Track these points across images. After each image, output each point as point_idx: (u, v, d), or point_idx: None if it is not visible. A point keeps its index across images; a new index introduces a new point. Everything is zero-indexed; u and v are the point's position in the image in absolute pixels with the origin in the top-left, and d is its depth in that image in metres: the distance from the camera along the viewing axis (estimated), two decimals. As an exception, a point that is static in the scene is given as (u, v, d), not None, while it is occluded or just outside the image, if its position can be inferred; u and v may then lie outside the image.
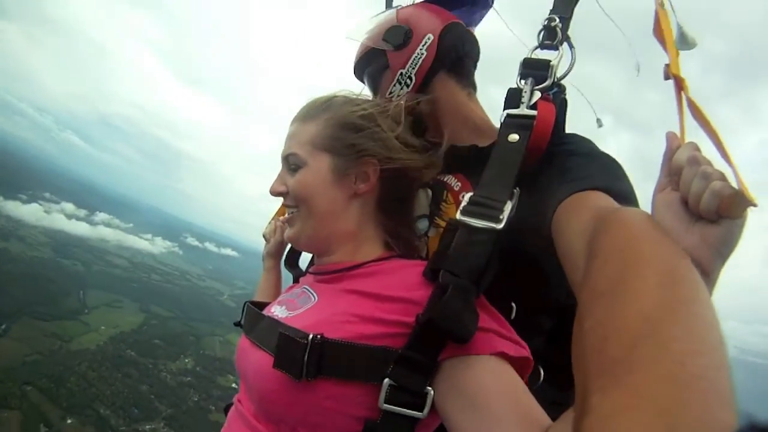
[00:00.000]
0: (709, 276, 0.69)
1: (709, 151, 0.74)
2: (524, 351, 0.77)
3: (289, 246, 1.43)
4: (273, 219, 1.58)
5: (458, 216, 0.81)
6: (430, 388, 0.73)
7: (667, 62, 0.97)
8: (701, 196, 0.68)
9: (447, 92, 1.28)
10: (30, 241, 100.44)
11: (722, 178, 0.68)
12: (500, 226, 0.76)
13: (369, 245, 1.02)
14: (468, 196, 0.84)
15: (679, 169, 0.74)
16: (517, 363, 0.76)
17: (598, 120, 1.30)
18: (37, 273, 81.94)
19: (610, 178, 0.93)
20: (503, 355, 0.74)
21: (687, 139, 0.81)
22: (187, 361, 71.31)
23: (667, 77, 0.95)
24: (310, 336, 0.77)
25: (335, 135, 0.99)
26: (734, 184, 0.67)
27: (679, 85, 0.90)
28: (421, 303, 0.76)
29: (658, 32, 1.04)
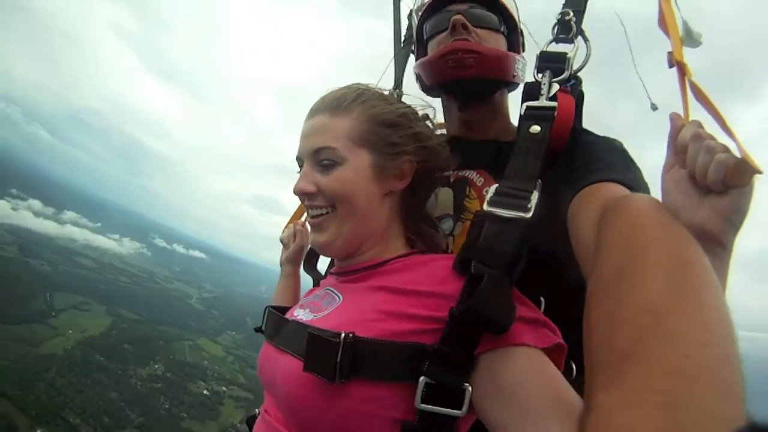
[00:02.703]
0: (725, 246, 0.73)
1: (712, 129, 0.76)
2: (557, 338, 0.75)
3: (308, 249, 1.43)
4: (289, 223, 1.60)
5: (486, 207, 0.80)
6: (467, 384, 0.71)
7: (670, 50, 0.99)
8: (707, 169, 0.70)
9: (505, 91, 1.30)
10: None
11: (726, 150, 0.70)
12: (528, 215, 0.76)
13: (394, 243, 1.00)
14: (494, 187, 0.84)
15: (685, 147, 0.76)
16: (551, 350, 0.74)
17: (653, 105, 1.30)
18: (3, 273, 79.39)
19: (622, 169, 0.94)
20: (537, 345, 0.72)
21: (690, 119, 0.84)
22: (157, 366, 70.45)
23: (671, 64, 0.98)
24: (342, 335, 0.73)
25: (374, 131, 0.95)
26: (738, 155, 0.70)
27: (683, 71, 0.94)
28: (452, 297, 0.74)
29: (663, 21, 1.07)
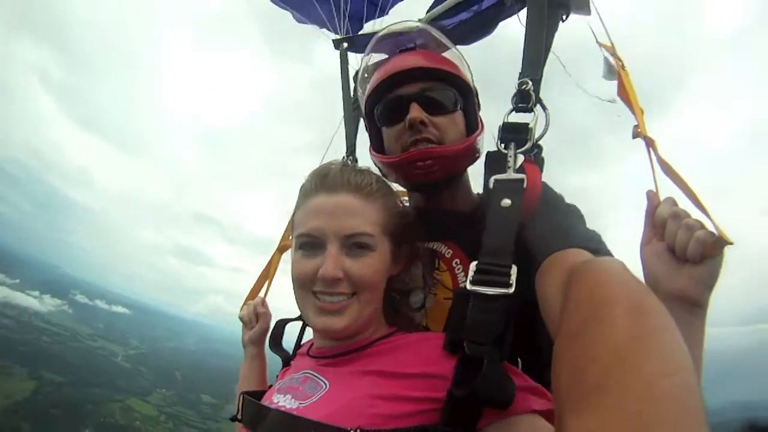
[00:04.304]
0: (702, 307, 0.84)
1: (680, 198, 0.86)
2: (550, 403, 0.76)
3: (273, 328, 1.38)
4: (248, 299, 1.58)
5: (469, 286, 0.81)
6: None
7: (636, 123, 1.02)
8: (687, 245, 0.82)
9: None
10: None
11: (702, 226, 0.81)
12: (511, 290, 0.77)
13: (379, 322, 1.00)
14: (473, 264, 0.84)
15: (663, 223, 0.85)
16: (545, 414, 0.75)
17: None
18: None
19: (582, 233, 0.99)
20: (535, 411, 0.74)
21: (662, 192, 0.91)
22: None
23: (635, 136, 1.01)
24: (351, 431, 0.71)
25: (393, 221, 0.97)
26: (711, 229, 0.79)
27: (650, 145, 0.96)
28: (447, 377, 0.75)
29: (623, 93, 1.11)
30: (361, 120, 1.53)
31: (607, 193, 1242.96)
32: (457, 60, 1.28)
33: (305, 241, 0.96)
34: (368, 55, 1.42)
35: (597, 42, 1.39)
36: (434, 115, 1.17)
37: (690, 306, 0.86)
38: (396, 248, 1.01)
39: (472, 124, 1.25)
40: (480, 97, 1.34)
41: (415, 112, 1.14)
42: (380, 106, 1.25)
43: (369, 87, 1.29)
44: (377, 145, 1.32)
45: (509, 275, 0.80)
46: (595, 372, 0.48)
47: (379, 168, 1.31)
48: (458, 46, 1.41)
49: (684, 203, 0.91)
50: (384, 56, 1.40)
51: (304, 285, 0.96)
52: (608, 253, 0.97)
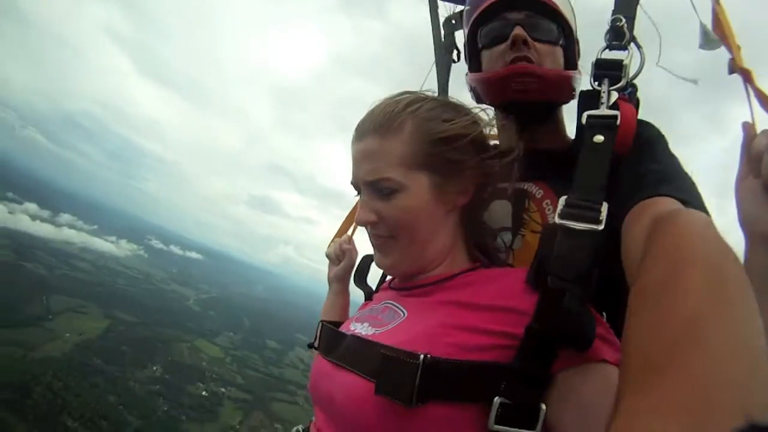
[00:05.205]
0: None
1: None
2: None
3: (358, 264, 1.41)
4: (335, 237, 1.60)
5: (557, 220, 0.78)
6: (542, 404, 0.69)
7: (732, 57, 0.97)
8: None
9: None
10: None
11: None
12: (601, 227, 0.75)
13: (458, 257, 0.98)
14: (563, 199, 0.82)
15: (760, 156, 0.77)
16: None
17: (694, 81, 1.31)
18: (-2, 277, 78.89)
19: (677, 182, 0.94)
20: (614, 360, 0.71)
21: (760, 126, 0.84)
22: (155, 368, 70.05)
23: (732, 71, 0.96)
24: (421, 356, 0.70)
25: (430, 151, 0.91)
26: None
27: (747, 77, 0.92)
28: (527, 312, 0.72)
29: (719, 29, 1.06)
30: (452, 62, 1.70)
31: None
32: (565, 6, 1.25)
33: (355, 189, 1.00)
34: None
35: None
36: (537, 41, 1.16)
37: None
38: (446, 178, 0.93)
39: (571, 65, 1.24)
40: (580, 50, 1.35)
41: (520, 30, 1.14)
42: (485, 27, 1.24)
43: (477, 10, 1.26)
44: (476, 68, 1.30)
45: (599, 211, 0.77)
46: (660, 346, 0.46)
47: (473, 91, 1.30)
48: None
49: None
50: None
51: (363, 228, 1.01)
52: (701, 206, 0.91)
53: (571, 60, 1.21)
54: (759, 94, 0.90)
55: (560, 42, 1.19)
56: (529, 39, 1.13)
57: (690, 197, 0.87)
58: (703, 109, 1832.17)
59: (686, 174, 0.99)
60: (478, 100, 1.26)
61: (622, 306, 0.81)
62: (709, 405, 0.38)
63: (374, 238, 0.98)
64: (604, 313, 0.89)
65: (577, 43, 1.26)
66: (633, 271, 0.73)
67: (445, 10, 1.77)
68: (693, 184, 0.96)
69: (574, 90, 1.19)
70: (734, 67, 0.96)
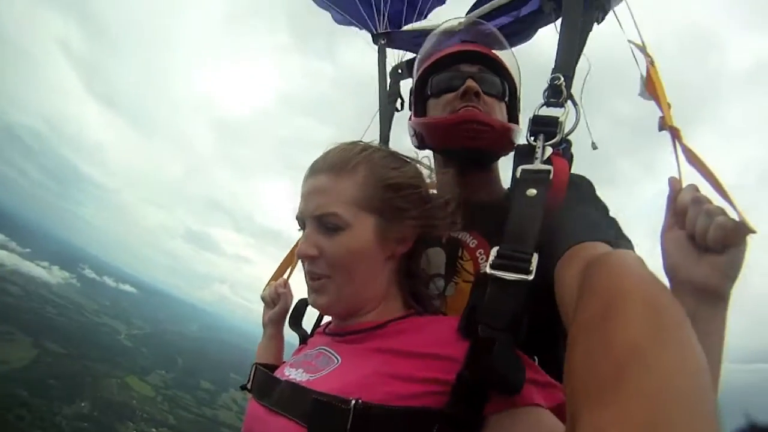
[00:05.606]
0: (724, 299, 0.80)
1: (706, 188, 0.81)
2: (561, 396, 0.75)
3: (293, 307, 1.40)
4: (271, 281, 1.60)
5: (488, 270, 0.80)
6: None
7: (661, 115, 1.05)
8: (707, 231, 0.78)
9: None
10: None
11: (723, 213, 0.78)
12: (530, 277, 0.77)
13: (393, 304, 0.98)
14: (495, 249, 0.84)
15: (684, 210, 0.83)
16: (557, 409, 0.74)
17: (593, 144, 1.37)
18: None
19: (604, 226, 0.99)
20: (543, 405, 0.72)
21: (686, 182, 0.90)
22: (83, 404, 67.24)
23: (661, 128, 1.03)
24: (353, 401, 0.71)
25: (380, 196, 0.93)
26: (734, 217, 0.76)
27: (675, 135, 0.99)
28: (458, 359, 0.73)
29: (651, 88, 1.14)
30: (395, 110, 1.79)
31: (621, 216, 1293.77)
32: (513, 66, 1.35)
33: (299, 224, 1.00)
34: (428, 46, 1.44)
35: (628, 41, 1.40)
36: (486, 94, 1.22)
37: (711, 298, 0.83)
38: (391, 224, 0.95)
39: (513, 120, 1.31)
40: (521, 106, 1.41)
41: (473, 83, 1.20)
42: (437, 76, 1.30)
43: (430, 59, 1.33)
44: (421, 114, 1.35)
45: (530, 261, 0.79)
46: (609, 367, 0.48)
47: (417, 136, 1.33)
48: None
49: (710, 195, 0.88)
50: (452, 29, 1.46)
51: (302, 265, 1.01)
52: (629, 247, 0.98)
53: (513, 115, 1.31)
54: (686, 151, 0.95)
55: (505, 98, 1.28)
56: (481, 92, 1.19)
57: (617, 239, 0.94)
58: (639, 157, 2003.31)
59: (613, 219, 1.08)
60: (421, 145, 1.30)
61: (557, 347, 0.96)
62: (664, 419, 0.40)
63: (310, 276, 0.96)
64: (536, 357, 0.89)
65: (520, 100, 1.35)
66: (569, 312, 0.75)
67: (393, 59, 1.90)
68: (619, 227, 1.05)
69: (513, 144, 1.24)
70: (663, 125, 1.02)
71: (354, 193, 0.93)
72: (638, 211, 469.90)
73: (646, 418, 0.40)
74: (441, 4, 2.29)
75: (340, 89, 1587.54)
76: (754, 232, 0.76)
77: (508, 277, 0.78)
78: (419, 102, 1.35)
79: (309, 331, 1.33)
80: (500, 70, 1.28)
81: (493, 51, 1.32)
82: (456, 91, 1.21)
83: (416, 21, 2.20)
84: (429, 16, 2.26)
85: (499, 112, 1.25)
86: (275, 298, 1.50)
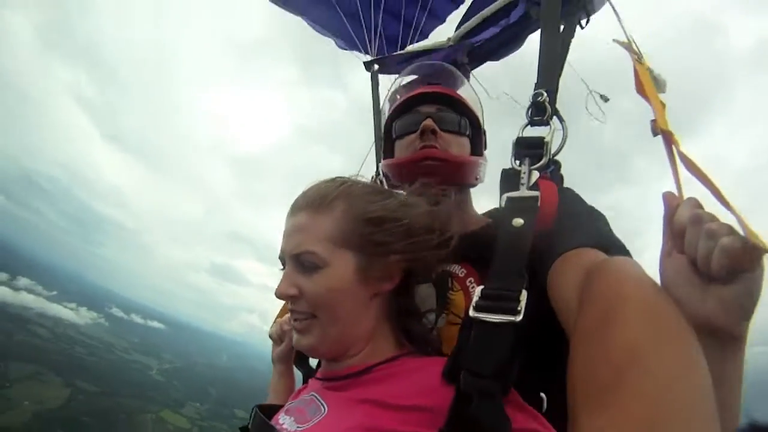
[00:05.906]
0: (738, 338, 0.64)
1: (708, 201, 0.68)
2: None
3: None
4: (277, 318, 1.58)
5: (471, 312, 0.75)
6: None
7: (653, 118, 0.94)
8: (710, 257, 0.62)
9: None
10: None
11: (729, 232, 0.61)
12: (518, 318, 0.70)
13: (383, 343, 0.94)
14: (479, 289, 0.79)
15: (683, 230, 0.68)
16: None
17: (603, 96, 1.33)
18: (-47, 342, 73.77)
19: (596, 232, 0.95)
20: None
21: (686, 195, 0.76)
22: (120, 440, 66.05)
23: (655, 133, 0.93)
24: None
25: (358, 230, 0.88)
26: (741, 233, 0.61)
27: (670, 140, 0.88)
28: (441, 411, 0.68)
29: (641, 89, 1.05)
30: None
31: (643, 212, 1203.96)
32: (473, 101, 1.37)
33: (281, 263, 0.97)
34: (401, 77, 1.52)
35: (613, 40, 1.34)
36: (445, 131, 1.25)
37: (722, 337, 0.66)
38: (372, 261, 0.89)
39: (477, 152, 1.32)
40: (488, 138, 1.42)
41: (429, 122, 1.22)
42: (400, 120, 1.34)
43: (393, 104, 1.38)
44: (389, 157, 1.39)
45: (518, 301, 0.73)
46: (608, 371, 0.48)
47: (386, 177, 1.37)
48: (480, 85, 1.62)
49: (714, 209, 0.71)
50: (415, 77, 1.50)
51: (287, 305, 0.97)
52: (624, 252, 0.92)
53: (477, 148, 1.31)
54: (683, 157, 0.83)
55: (467, 132, 1.29)
56: (437, 129, 1.21)
57: (610, 244, 0.89)
58: (658, 153, 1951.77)
59: (600, 220, 1.03)
60: (389, 185, 1.32)
61: (559, 360, 0.79)
62: (662, 422, 0.41)
63: (294, 316, 0.93)
64: (544, 396, 0.80)
65: (485, 133, 1.36)
66: (570, 321, 0.73)
67: (390, 84, 1.77)
68: (610, 231, 1.00)
69: (477, 177, 1.26)
70: (656, 128, 0.92)
71: (331, 230, 0.88)
72: (657, 209, 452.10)
73: (644, 419, 0.41)
74: (441, 23, 2.25)
75: (353, 116, 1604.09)
76: (767, 251, 0.60)
77: (493, 320, 0.72)
78: (388, 145, 1.39)
79: (316, 366, 1.29)
80: (459, 106, 1.29)
81: (457, 90, 1.35)
82: (416, 131, 1.24)
83: (417, 41, 2.15)
84: (430, 35, 2.23)
85: (458, 147, 1.26)
86: (281, 335, 1.49)
